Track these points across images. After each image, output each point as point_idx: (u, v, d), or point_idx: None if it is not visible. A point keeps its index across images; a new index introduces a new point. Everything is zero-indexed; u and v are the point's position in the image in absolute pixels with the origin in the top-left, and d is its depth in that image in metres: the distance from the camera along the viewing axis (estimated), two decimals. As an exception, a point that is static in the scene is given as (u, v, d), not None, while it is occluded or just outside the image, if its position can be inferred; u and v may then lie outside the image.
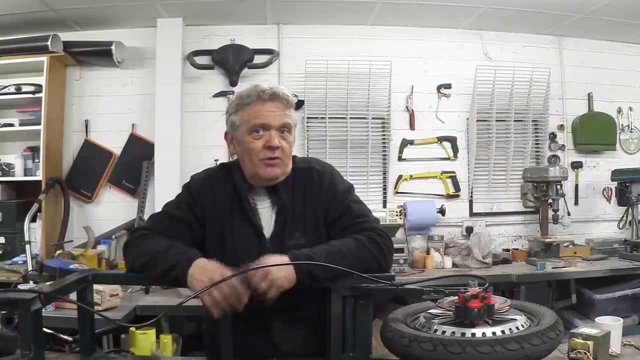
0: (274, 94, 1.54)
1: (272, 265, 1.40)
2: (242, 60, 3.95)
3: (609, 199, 4.39)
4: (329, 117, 4.03)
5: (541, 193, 3.85)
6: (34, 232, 3.55)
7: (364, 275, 1.45)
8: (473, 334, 1.30)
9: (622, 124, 4.41)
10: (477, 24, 4.09)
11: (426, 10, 3.81)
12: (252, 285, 1.38)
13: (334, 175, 1.67)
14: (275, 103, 1.54)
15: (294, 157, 1.69)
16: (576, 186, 4.34)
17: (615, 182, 4.16)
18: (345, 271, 1.42)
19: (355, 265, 1.44)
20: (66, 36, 3.80)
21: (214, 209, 1.62)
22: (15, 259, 3.51)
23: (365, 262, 1.49)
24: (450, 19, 4.02)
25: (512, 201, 4.27)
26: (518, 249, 4.04)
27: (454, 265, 3.70)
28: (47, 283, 2.27)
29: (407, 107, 4.17)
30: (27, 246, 3.34)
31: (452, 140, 4.21)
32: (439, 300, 1.44)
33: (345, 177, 1.77)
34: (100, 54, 3.84)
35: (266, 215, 1.62)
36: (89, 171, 3.94)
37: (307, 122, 4.01)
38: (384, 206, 4.07)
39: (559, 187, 3.80)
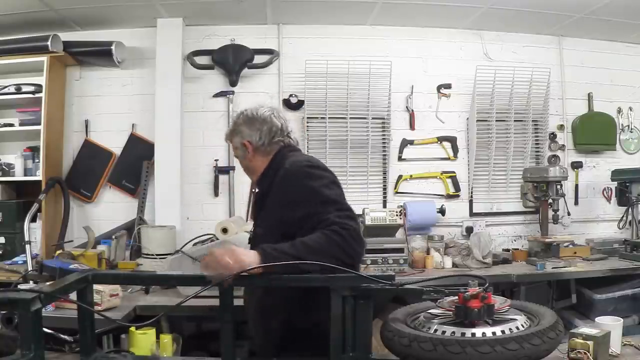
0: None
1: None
2: (242, 60, 3.95)
3: (609, 199, 4.39)
4: (329, 117, 4.03)
5: (541, 193, 3.85)
6: (34, 232, 3.55)
7: (364, 275, 1.46)
8: (473, 334, 1.31)
9: (622, 124, 4.41)
10: (477, 24, 4.09)
11: (426, 10, 3.81)
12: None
13: (298, 175, 1.76)
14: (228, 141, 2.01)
15: (285, 155, 1.88)
16: (576, 186, 4.34)
17: (615, 182, 4.16)
18: (307, 264, 1.52)
19: (315, 258, 1.52)
20: (66, 36, 3.80)
21: None
22: (15, 259, 3.50)
23: (327, 256, 1.53)
24: (450, 19, 4.02)
25: (512, 201, 4.27)
26: (518, 249, 4.03)
27: (454, 265, 3.70)
28: (47, 283, 2.27)
29: (407, 107, 4.17)
30: (27, 246, 3.34)
31: (452, 140, 4.21)
32: (439, 300, 1.44)
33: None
34: (100, 54, 3.84)
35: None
36: (89, 171, 3.94)
37: (307, 122, 4.01)
38: (384, 206, 4.07)
39: (559, 187, 3.80)
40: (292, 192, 1.73)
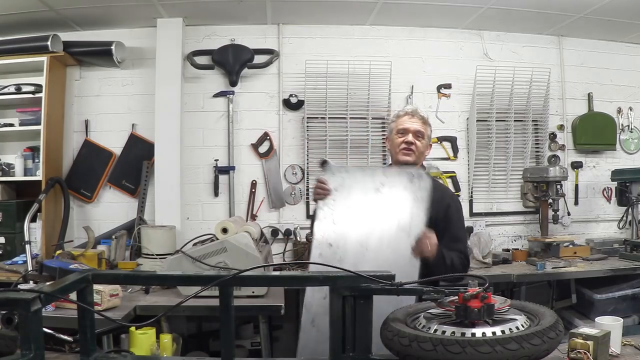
0: (414, 111, 2.39)
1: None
2: (242, 60, 3.95)
3: (609, 199, 4.40)
4: (329, 117, 4.03)
5: (541, 193, 3.85)
6: (34, 232, 3.55)
7: (364, 275, 1.45)
8: (473, 334, 1.30)
9: (622, 124, 4.42)
10: (477, 24, 4.09)
11: (426, 10, 3.81)
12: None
13: (459, 204, 2.51)
14: (414, 117, 2.37)
15: (435, 177, 2.43)
16: (576, 186, 4.34)
17: (615, 182, 4.16)
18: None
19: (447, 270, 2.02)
20: (66, 36, 3.80)
21: None
22: (15, 259, 3.50)
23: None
24: (450, 19, 4.02)
25: (512, 201, 4.27)
26: (518, 249, 4.04)
27: (454, 265, 3.69)
28: (47, 283, 2.27)
29: (407, 107, 4.17)
30: (27, 246, 3.34)
31: (452, 140, 4.21)
32: (439, 300, 1.44)
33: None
34: (100, 54, 3.84)
35: None
36: (89, 171, 3.94)
37: (307, 122, 4.01)
38: (384, 206, 4.06)
39: (559, 187, 3.80)
40: (454, 209, 2.42)
